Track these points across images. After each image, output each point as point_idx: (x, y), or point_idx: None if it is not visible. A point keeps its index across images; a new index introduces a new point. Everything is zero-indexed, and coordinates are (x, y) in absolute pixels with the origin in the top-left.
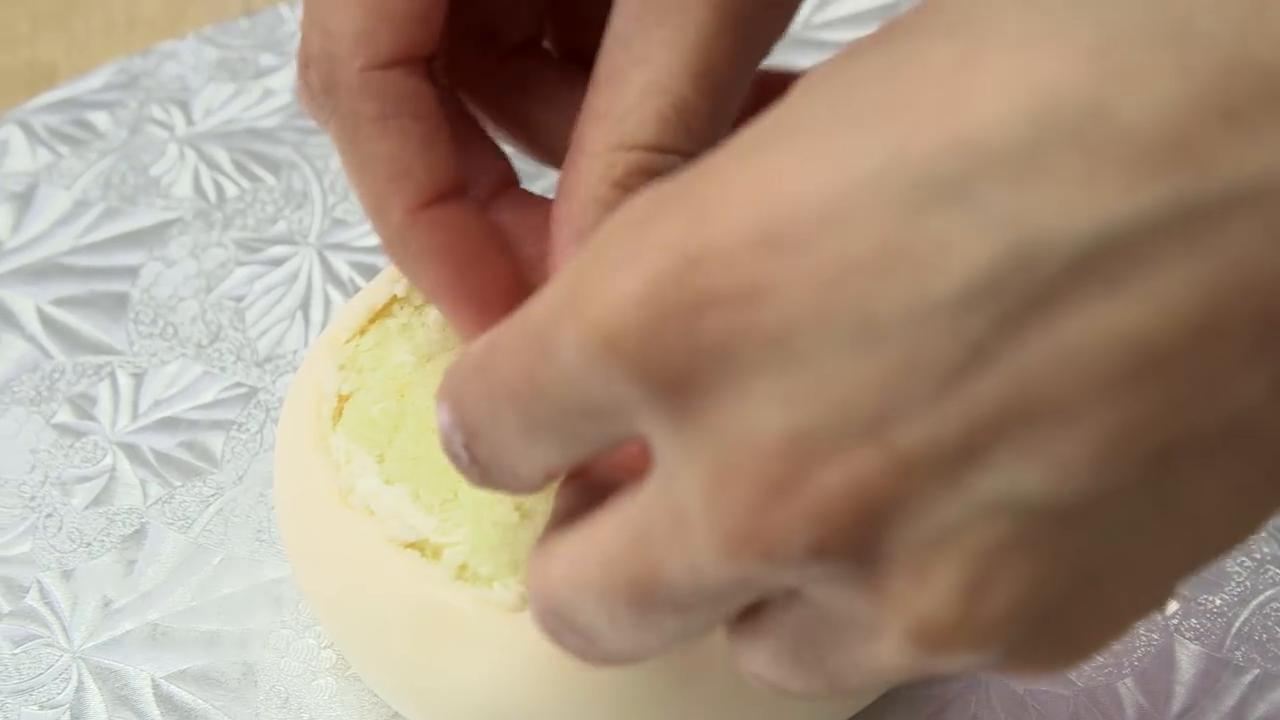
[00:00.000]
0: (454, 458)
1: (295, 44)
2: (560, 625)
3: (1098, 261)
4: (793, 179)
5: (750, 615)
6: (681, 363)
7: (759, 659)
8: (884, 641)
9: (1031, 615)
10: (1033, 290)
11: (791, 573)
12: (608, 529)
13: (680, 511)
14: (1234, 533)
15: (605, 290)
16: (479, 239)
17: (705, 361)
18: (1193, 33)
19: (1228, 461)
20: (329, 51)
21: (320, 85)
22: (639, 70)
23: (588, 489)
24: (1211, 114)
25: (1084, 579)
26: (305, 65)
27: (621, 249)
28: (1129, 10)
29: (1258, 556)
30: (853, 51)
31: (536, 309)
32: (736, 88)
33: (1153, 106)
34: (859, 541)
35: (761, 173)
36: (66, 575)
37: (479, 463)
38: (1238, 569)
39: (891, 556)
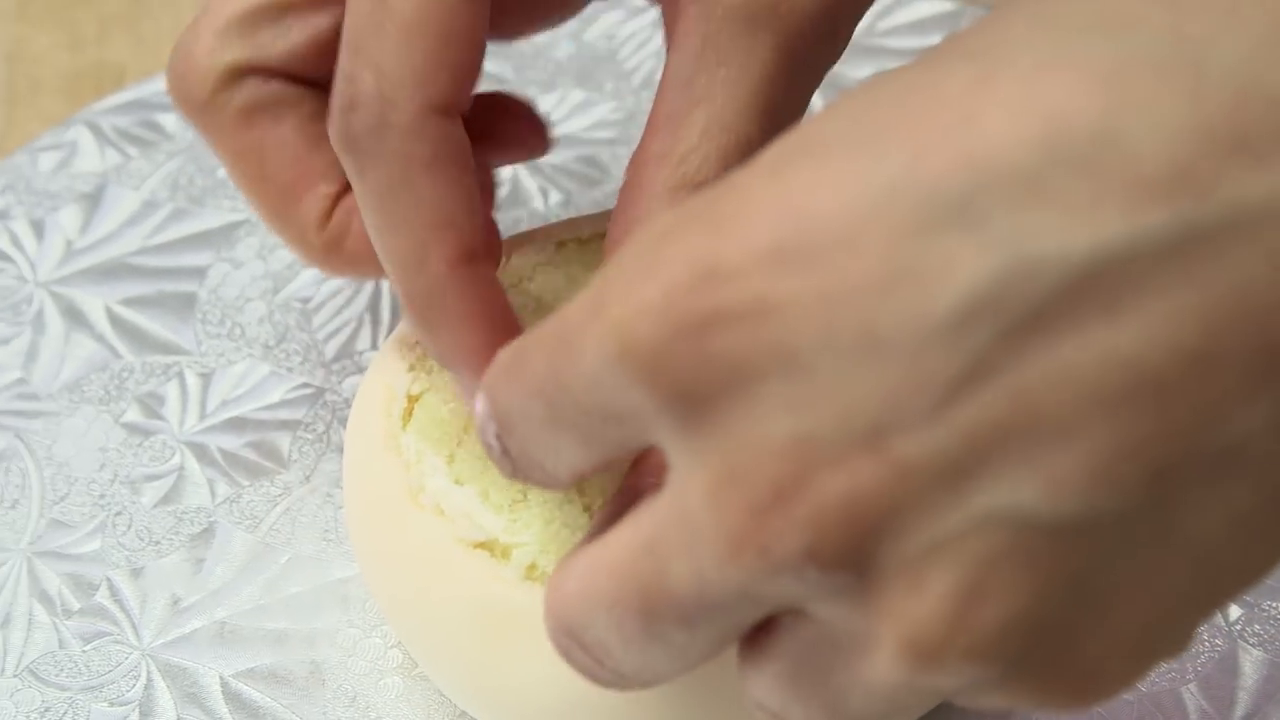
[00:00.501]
0: (488, 448)
1: None
2: (571, 642)
3: (1095, 283)
4: (806, 197)
5: (758, 638)
6: (693, 372)
7: (763, 684)
8: (879, 655)
9: (1027, 630)
10: (1030, 308)
11: (790, 579)
12: (620, 540)
13: (688, 516)
14: (1245, 567)
15: (624, 299)
16: (504, 302)
17: (715, 372)
18: (1205, 62)
19: (1228, 490)
20: (383, 92)
21: (369, 127)
22: (701, 109)
23: (615, 511)
24: (1219, 142)
25: (1085, 602)
26: (350, 107)
27: (642, 260)
28: (1143, 40)
29: None
30: (875, 79)
31: (568, 311)
32: (794, 121)
33: (1160, 133)
34: (855, 550)
35: (777, 191)
36: (136, 573)
37: (509, 454)
38: None
39: (887, 567)
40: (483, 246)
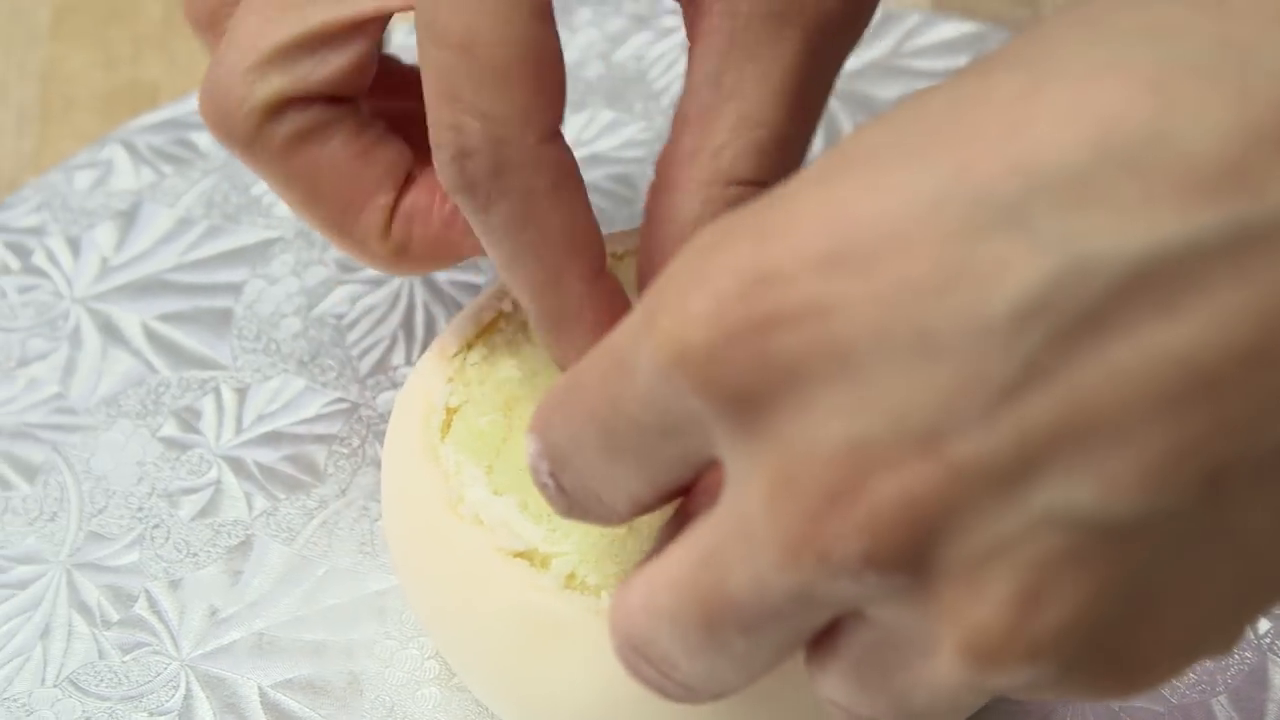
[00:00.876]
0: (542, 487)
1: None
2: (636, 656)
3: (1148, 282)
4: (857, 203)
5: (823, 639)
6: (748, 377)
7: (830, 682)
8: (940, 656)
9: (1085, 631)
10: (1084, 309)
11: (848, 583)
12: (679, 554)
13: (745, 524)
14: None
15: (677, 310)
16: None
17: (771, 376)
18: (1251, 65)
19: (1277, 488)
20: (495, 135)
21: (487, 171)
22: (731, 105)
23: (671, 533)
24: (1267, 142)
25: (1140, 601)
26: (463, 155)
27: (693, 271)
28: (1189, 43)
29: None
30: (921, 91)
31: (618, 334)
32: (821, 112)
33: (1209, 134)
34: (913, 553)
35: (827, 199)
36: (174, 585)
37: (565, 491)
38: None
39: (945, 569)
40: (606, 257)
